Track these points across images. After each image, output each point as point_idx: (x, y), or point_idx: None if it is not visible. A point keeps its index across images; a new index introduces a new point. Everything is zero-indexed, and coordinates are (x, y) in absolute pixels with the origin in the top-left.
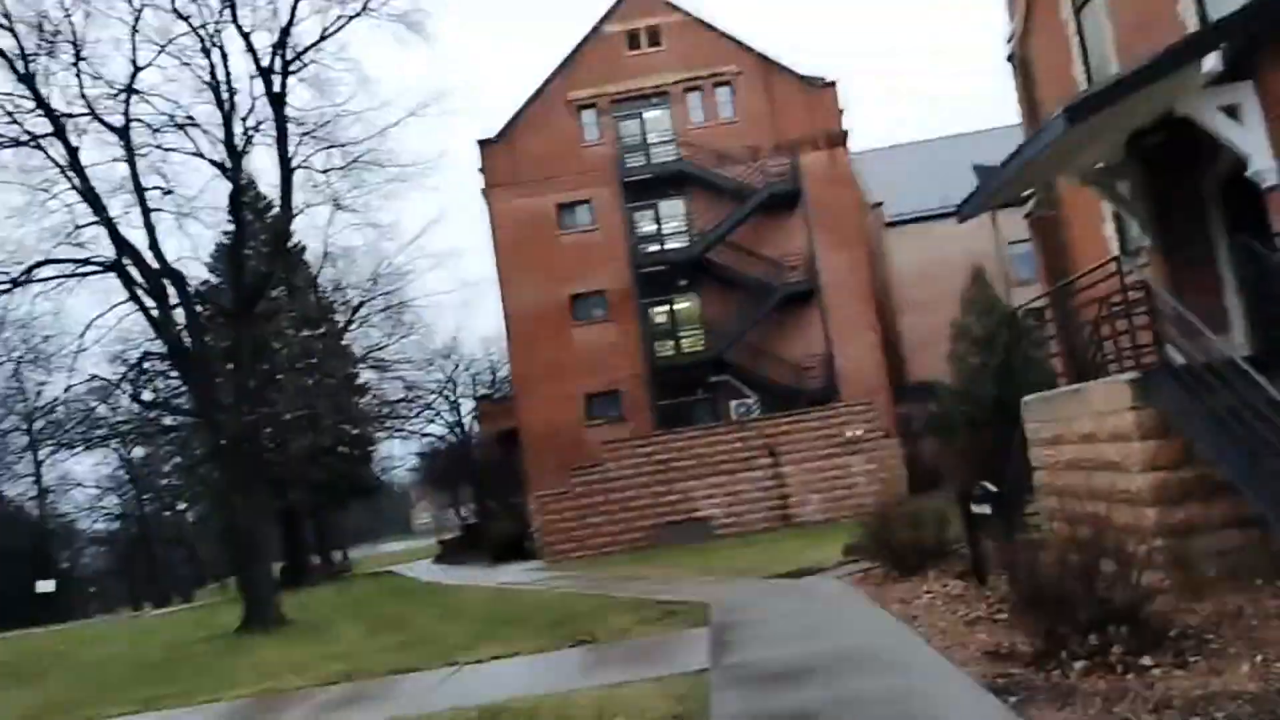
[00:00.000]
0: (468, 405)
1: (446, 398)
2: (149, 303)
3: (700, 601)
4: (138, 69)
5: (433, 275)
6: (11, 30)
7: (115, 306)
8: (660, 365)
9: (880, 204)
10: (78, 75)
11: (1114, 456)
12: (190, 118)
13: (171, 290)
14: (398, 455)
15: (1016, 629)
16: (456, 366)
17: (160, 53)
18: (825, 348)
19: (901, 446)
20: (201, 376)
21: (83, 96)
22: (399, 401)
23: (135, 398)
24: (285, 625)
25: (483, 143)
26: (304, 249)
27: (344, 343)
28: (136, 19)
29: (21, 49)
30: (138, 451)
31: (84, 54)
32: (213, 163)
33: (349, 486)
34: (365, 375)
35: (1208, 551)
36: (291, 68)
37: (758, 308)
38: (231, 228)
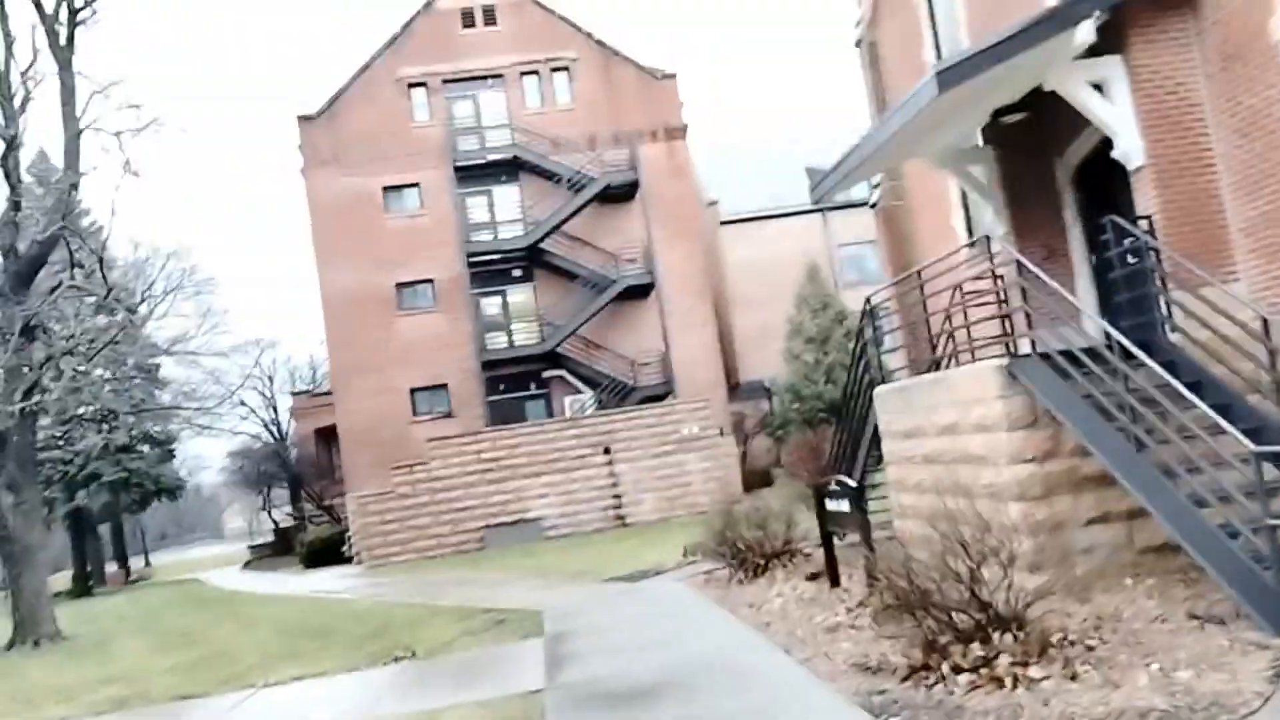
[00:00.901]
0: (286, 402)
1: (261, 393)
2: None
3: (533, 609)
4: None
5: (247, 260)
6: None
7: None
8: (492, 359)
9: (715, 202)
10: None
11: (979, 449)
12: None
13: None
14: (207, 455)
15: (885, 638)
16: (273, 361)
17: None
18: (662, 343)
19: (735, 445)
20: None
21: None
22: (205, 396)
23: None
24: (60, 642)
25: (303, 118)
26: (100, 228)
27: (144, 330)
28: None
29: None
30: None
31: None
32: None
33: (150, 488)
34: (169, 369)
35: (1077, 548)
36: (80, 18)
37: (594, 301)
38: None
